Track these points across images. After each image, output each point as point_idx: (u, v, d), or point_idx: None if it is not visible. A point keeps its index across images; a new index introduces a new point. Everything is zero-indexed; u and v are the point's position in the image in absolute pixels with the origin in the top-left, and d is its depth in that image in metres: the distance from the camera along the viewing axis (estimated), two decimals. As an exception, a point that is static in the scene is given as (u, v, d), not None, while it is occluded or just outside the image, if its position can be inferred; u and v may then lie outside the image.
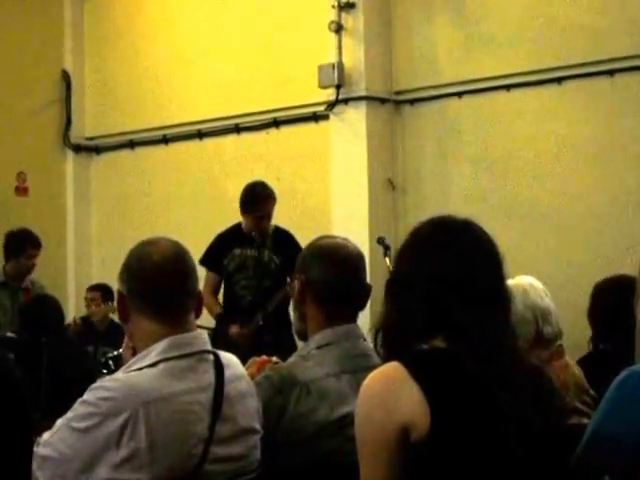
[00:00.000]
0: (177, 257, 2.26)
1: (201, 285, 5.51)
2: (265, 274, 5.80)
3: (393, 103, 6.95)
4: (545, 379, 2.02)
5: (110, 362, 5.25)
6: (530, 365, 2.03)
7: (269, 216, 5.77)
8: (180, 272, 2.25)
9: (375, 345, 2.00)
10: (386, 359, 1.90)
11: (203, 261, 5.85)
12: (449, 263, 1.91)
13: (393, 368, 1.84)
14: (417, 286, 1.91)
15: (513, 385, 1.88)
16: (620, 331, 3.42)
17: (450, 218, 2.01)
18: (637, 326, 2.24)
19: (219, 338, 5.68)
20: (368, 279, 2.63)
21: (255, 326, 5.75)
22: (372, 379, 1.86)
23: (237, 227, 5.91)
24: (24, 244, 6.14)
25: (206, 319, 5.70)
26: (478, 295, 1.91)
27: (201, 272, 5.68)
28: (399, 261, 2.00)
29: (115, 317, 6.22)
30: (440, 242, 1.95)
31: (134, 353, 2.26)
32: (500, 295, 1.96)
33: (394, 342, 1.94)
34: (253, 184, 5.86)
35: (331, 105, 6.91)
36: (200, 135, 7.84)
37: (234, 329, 5.75)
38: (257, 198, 5.74)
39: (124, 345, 2.37)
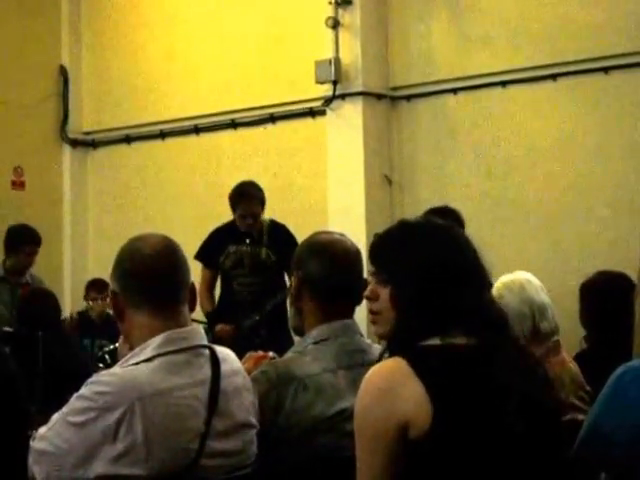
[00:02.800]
0: (168, 249, 2.27)
1: (196, 281, 5.54)
2: (262, 270, 5.79)
3: (390, 99, 6.95)
4: (543, 371, 2.02)
5: (107, 356, 5.24)
6: (532, 357, 2.03)
7: (253, 215, 5.71)
8: (172, 264, 2.26)
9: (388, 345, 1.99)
10: (392, 355, 1.89)
11: (198, 256, 5.84)
12: (431, 255, 1.93)
13: (396, 363, 1.83)
14: (409, 282, 1.92)
15: (522, 377, 1.87)
16: (613, 328, 3.43)
17: (403, 220, 2.04)
18: (635, 322, 2.24)
19: (209, 336, 5.67)
20: (365, 275, 2.63)
21: (251, 325, 5.74)
22: (374, 373, 1.85)
23: (232, 223, 5.89)
24: (22, 241, 6.13)
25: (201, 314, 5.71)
26: (466, 281, 1.92)
27: (196, 269, 5.68)
28: (382, 263, 2.01)
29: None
30: (414, 237, 1.98)
31: (131, 348, 2.26)
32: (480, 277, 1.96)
33: (399, 339, 1.93)
34: (241, 183, 5.85)
35: (328, 101, 6.91)
36: (197, 130, 7.84)
37: (219, 327, 5.72)
38: (241, 197, 5.72)
39: (120, 340, 2.37)
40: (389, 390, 1.80)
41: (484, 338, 1.86)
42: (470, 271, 1.92)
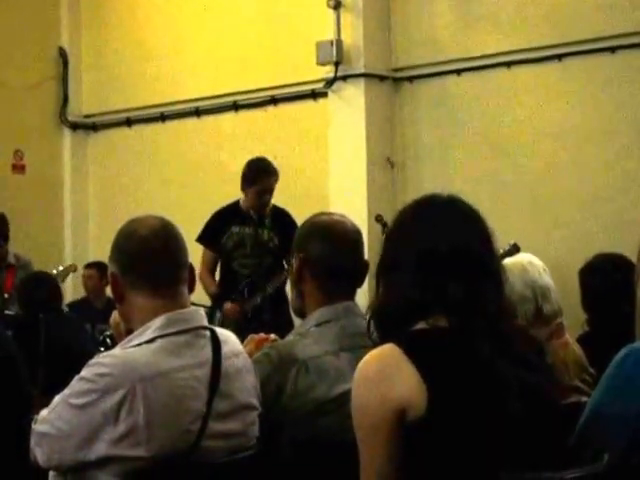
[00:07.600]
0: (165, 230, 2.28)
1: (198, 264, 5.54)
2: (264, 252, 5.79)
3: (392, 80, 6.92)
4: (542, 354, 2.02)
5: (107, 339, 5.23)
6: (528, 338, 2.03)
7: (271, 191, 5.72)
8: (170, 244, 2.26)
9: (368, 328, 1.98)
10: (382, 341, 1.89)
11: (200, 238, 5.83)
12: (435, 238, 1.90)
13: (388, 349, 1.83)
14: (406, 265, 1.90)
15: (513, 360, 1.88)
16: (614, 310, 3.42)
17: (434, 195, 2.01)
18: (637, 304, 2.23)
19: (214, 317, 5.67)
20: (366, 257, 2.62)
21: (253, 306, 5.73)
22: (367, 361, 1.85)
23: (235, 205, 5.88)
24: None
25: (203, 297, 5.70)
26: (468, 269, 1.89)
27: (197, 251, 5.68)
28: (387, 242, 1.99)
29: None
30: (425, 218, 1.95)
31: (130, 331, 2.26)
32: (490, 267, 1.94)
33: (389, 323, 1.92)
34: (257, 159, 5.84)
35: (329, 82, 6.88)
36: (198, 113, 7.82)
37: (228, 305, 5.72)
38: (261, 172, 5.69)
39: (112, 320, 2.37)
40: (383, 377, 1.81)
41: (466, 321, 1.85)
42: (464, 256, 1.90)
